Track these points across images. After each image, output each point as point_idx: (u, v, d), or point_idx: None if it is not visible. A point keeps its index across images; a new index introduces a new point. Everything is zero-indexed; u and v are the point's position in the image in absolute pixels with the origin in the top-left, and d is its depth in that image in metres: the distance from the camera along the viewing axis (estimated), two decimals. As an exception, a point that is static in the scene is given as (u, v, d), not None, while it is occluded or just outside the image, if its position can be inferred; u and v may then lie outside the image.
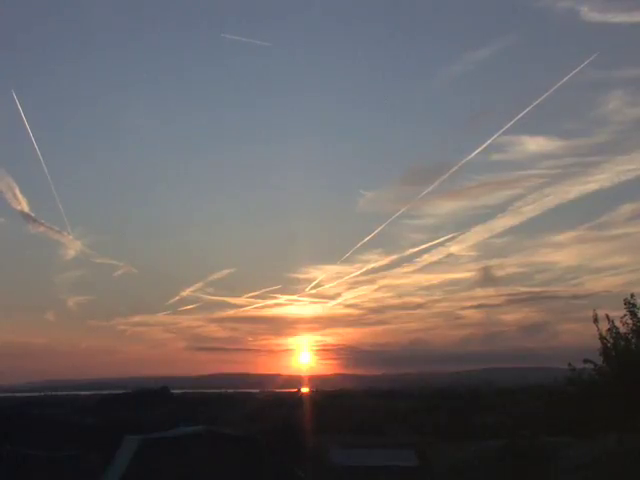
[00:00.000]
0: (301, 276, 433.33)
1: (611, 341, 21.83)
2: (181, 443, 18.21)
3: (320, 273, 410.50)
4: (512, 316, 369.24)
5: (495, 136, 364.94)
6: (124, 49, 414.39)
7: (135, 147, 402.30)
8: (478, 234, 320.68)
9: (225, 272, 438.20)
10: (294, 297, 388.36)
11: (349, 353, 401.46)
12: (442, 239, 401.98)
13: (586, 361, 22.29)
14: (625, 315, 21.70)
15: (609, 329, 21.95)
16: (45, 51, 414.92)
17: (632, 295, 21.71)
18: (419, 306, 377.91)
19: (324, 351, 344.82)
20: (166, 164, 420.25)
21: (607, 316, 22.24)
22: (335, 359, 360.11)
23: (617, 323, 21.85)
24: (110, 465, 19.93)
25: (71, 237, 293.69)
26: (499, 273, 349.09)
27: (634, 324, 21.51)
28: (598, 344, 22.11)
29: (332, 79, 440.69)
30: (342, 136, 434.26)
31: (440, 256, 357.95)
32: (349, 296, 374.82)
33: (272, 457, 19.09)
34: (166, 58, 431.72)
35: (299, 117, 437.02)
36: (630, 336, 21.57)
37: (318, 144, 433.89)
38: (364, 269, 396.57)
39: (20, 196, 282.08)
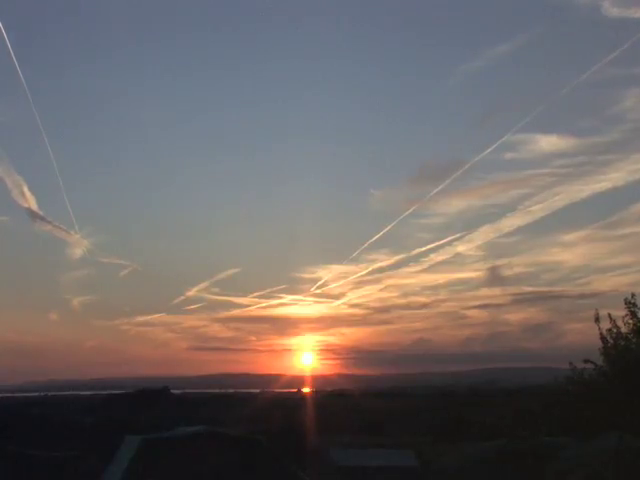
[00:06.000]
0: (307, 276, 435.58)
1: (611, 341, 21.80)
2: (181, 443, 18.18)
3: (326, 273, 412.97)
4: (517, 316, 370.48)
5: (507, 135, 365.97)
6: (134, 49, 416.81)
7: (144, 149, 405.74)
8: (486, 233, 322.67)
9: (231, 272, 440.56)
10: (299, 297, 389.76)
11: (352, 353, 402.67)
12: (449, 238, 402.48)
13: (586, 361, 22.25)
14: (626, 315, 21.67)
15: (609, 329, 21.93)
16: (58, 51, 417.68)
17: (633, 295, 21.68)
18: (424, 306, 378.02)
19: (327, 351, 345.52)
20: (174, 165, 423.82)
21: (609, 315, 22.21)
22: (338, 359, 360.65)
23: (619, 323, 21.83)
24: (110, 465, 19.89)
25: (78, 236, 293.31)
26: (506, 273, 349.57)
27: (634, 324, 21.48)
28: (601, 344, 22.09)
29: (341, 78, 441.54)
30: (351, 135, 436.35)
31: (447, 256, 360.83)
32: (354, 296, 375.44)
33: (272, 457, 19.07)
34: (176, 61, 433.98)
35: (307, 117, 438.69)
36: (630, 336, 21.54)
37: (327, 143, 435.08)
38: (370, 269, 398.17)
39: (28, 194, 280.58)
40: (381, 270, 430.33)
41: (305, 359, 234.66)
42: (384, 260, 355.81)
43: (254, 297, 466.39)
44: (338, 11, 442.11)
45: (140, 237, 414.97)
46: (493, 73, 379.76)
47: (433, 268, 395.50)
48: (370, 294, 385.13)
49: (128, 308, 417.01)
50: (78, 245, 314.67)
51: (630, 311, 21.55)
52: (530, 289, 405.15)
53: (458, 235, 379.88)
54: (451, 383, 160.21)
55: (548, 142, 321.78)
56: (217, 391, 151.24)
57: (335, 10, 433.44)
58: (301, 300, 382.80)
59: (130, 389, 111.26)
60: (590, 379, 22.44)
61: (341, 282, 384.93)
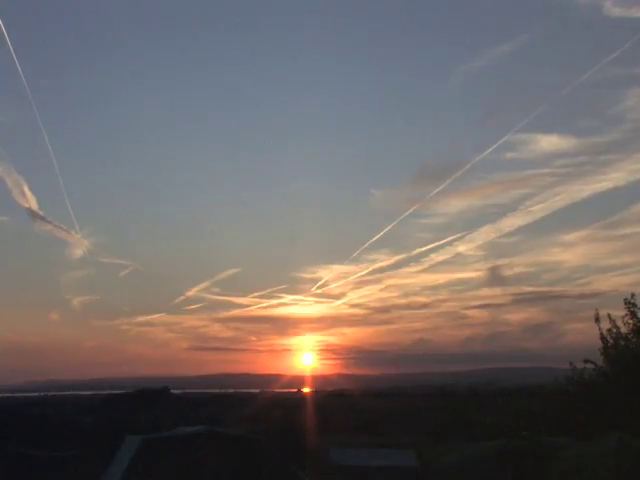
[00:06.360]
0: (307, 276, 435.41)
1: (611, 341, 21.82)
2: (181, 443, 18.18)
3: (326, 273, 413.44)
4: (517, 316, 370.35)
5: (508, 135, 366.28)
6: (134, 49, 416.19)
7: (144, 149, 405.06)
8: (486, 233, 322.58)
9: (231, 272, 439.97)
10: (299, 297, 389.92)
11: (353, 353, 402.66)
12: (450, 238, 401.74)
13: (586, 361, 22.27)
14: (626, 315, 21.69)
15: (609, 329, 21.96)
16: (58, 51, 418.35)
17: (632, 295, 21.70)
18: (424, 306, 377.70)
19: (327, 351, 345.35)
20: (174, 165, 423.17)
21: (609, 315, 22.23)
22: (338, 359, 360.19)
23: (619, 323, 21.85)
24: (110, 465, 19.89)
25: (79, 236, 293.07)
26: (507, 273, 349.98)
27: (634, 324, 21.50)
28: (601, 344, 22.11)
29: (341, 78, 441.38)
30: (351, 135, 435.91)
31: (447, 256, 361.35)
32: (354, 296, 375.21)
33: (272, 457, 19.06)
34: (176, 61, 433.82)
35: (307, 117, 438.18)
36: (630, 336, 21.55)
37: (327, 143, 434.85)
38: (370, 269, 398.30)
39: (29, 194, 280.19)
40: (381, 270, 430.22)
41: (305, 359, 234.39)
42: (384, 260, 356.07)
43: (254, 297, 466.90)
44: (338, 11, 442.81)
45: (140, 237, 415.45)
46: (493, 73, 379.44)
47: (433, 268, 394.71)
48: (370, 294, 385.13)
49: (128, 308, 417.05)
50: (78, 245, 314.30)
51: (630, 311, 21.56)
52: (530, 289, 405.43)
53: (458, 235, 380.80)
54: (451, 383, 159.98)
55: (549, 142, 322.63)
56: (217, 391, 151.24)
57: (335, 10, 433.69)
58: (301, 300, 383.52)
59: (130, 389, 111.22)
60: (590, 379, 22.45)
61: (341, 282, 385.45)
